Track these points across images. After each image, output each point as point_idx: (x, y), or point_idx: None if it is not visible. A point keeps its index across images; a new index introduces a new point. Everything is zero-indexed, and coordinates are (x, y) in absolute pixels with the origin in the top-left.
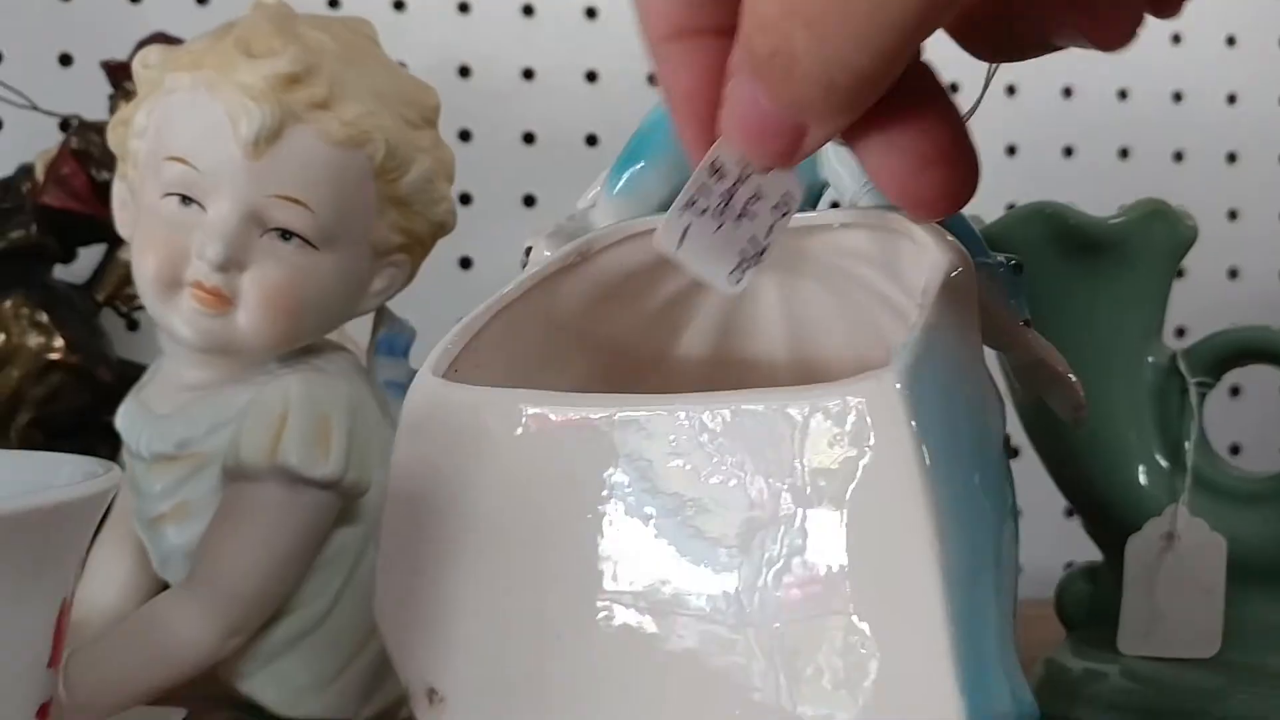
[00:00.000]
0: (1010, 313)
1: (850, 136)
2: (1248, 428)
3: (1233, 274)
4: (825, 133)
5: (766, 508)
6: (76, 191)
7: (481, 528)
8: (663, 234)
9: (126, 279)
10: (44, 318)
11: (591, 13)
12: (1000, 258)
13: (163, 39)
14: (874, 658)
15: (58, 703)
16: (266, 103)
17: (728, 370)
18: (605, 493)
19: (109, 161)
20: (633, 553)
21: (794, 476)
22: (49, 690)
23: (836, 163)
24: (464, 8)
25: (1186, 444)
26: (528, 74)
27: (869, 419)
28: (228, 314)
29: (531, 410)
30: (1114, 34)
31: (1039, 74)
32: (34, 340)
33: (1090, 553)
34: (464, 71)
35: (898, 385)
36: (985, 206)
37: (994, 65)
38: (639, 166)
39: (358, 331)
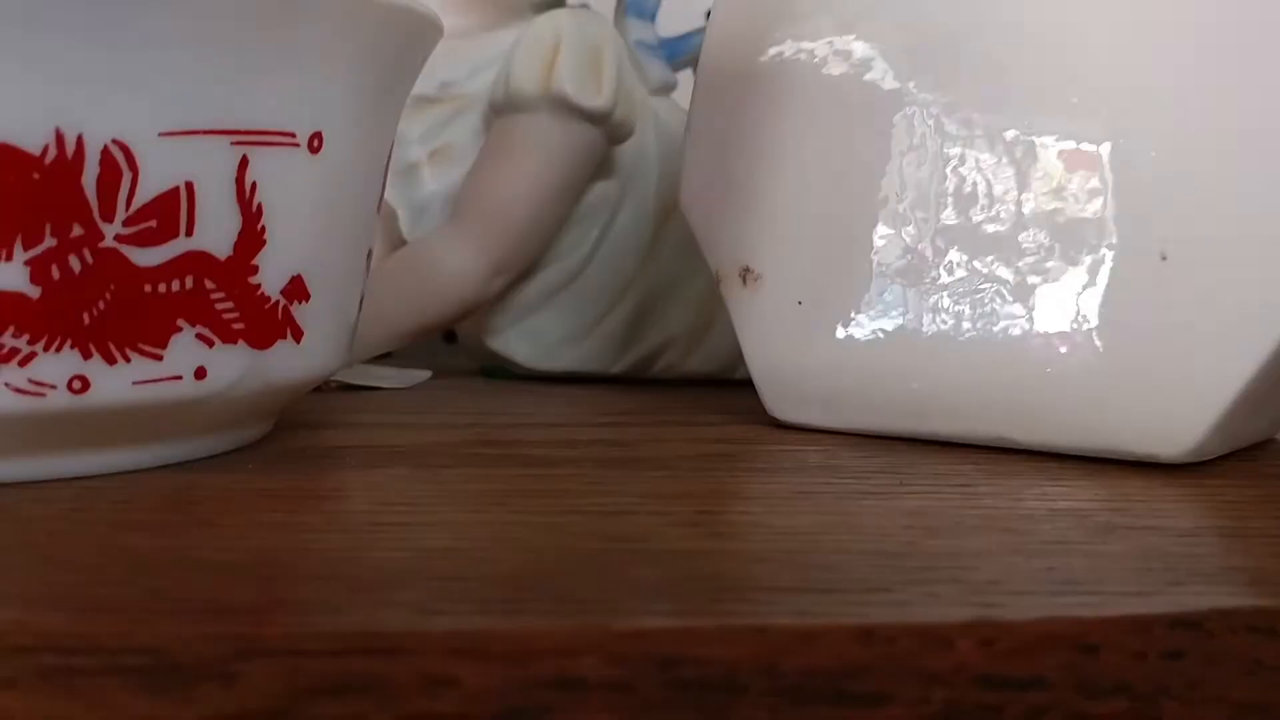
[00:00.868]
0: None
1: None
2: None
3: None
4: None
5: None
6: None
7: (811, 95)
8: None
9: None
10: None
11: None
12: None
13: None
14: (1261, 161)
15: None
16: None
17: None
18: (957, 41)
19: None
20: (976, 90)
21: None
22: (371, 238)
23: None
24: None
25: None
26: None
27: None
28: None
29: None
30: None
31: None
32: None
33: None
34: None
35: None
36: None
37: None
38: None
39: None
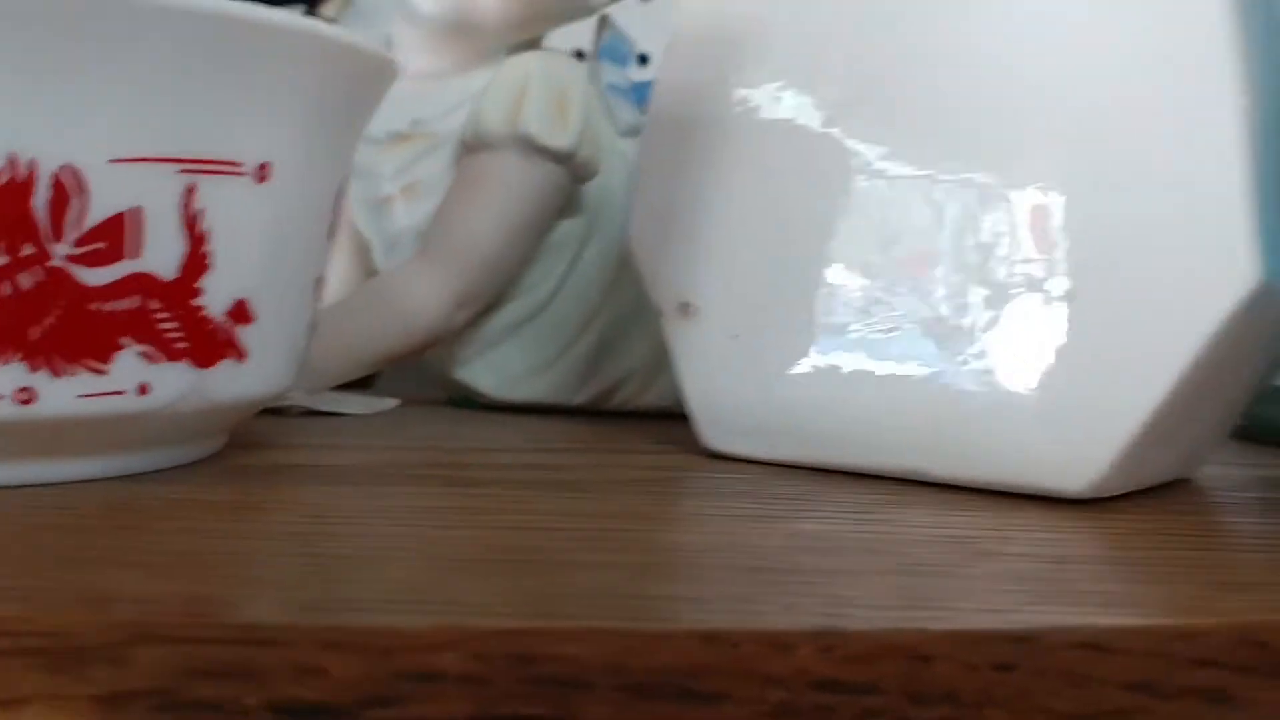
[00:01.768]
0: None
1: None
2: None
3: None
4: None
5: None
6: None
7: (745, 144)
8: None
9: None
10: None
11: None
12: None
13: None
14: (1171, 205)
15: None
16: None
17: None
18: (869, 97)
19: None
20: (895, 138)
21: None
22: (322, 266)
23: None
24: None
25: None
26: None
27: None
28: None
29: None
30: None
31: None
32: None
33: None
34: None
35: None
36: None
37: None
38: None
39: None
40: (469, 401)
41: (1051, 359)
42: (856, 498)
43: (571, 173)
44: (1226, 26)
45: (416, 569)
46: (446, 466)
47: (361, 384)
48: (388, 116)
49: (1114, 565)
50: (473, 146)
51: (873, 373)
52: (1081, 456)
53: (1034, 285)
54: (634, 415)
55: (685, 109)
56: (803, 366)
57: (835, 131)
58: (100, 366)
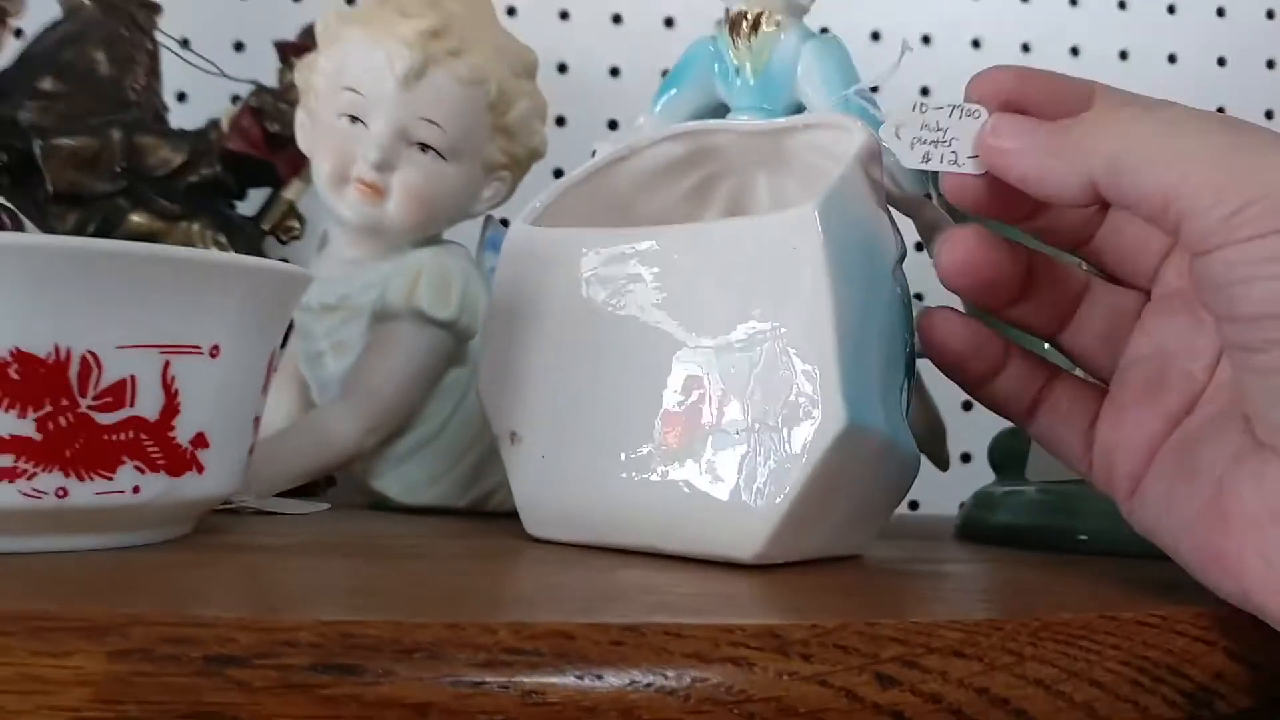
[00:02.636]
0: (911, 190)
1: None
2: None
3: None
4: None
5: (731, 286)
6: (253, 140)
7: (551, 322)
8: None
9: (286, 214)
10: (222, 239)
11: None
12: None
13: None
14: (791, 370)
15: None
16: (415, 50)
17: None
18: (629, 291)
19: (278, 117)
20: (641, 323)
21: (750, 269)
22: (260, 408)
23: (808, 88)
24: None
25: None
26: (614, 72)
27: (798, 228)
28: (380, 203)
29: (587, 243)
30: None
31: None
32: None
33: None
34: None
35: (815, 210)
36: None
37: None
38: (673, 92)
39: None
40: (383, 505)
41: (734, 471)
42: (609, 560)
43: (455, 335)
44: (820, 263)
45: (258, 590)
46: (358, 548)
47: (309, 491)
48: (322, 292)
49: (735, 600)
50: (381, 317)
51: (628, 482)
52: (748, 534)
53: (721, 424)
54: (504, 515)
55: (513, 302)
56: (584, 478)
57: (618, 309)
58: (109, 475)
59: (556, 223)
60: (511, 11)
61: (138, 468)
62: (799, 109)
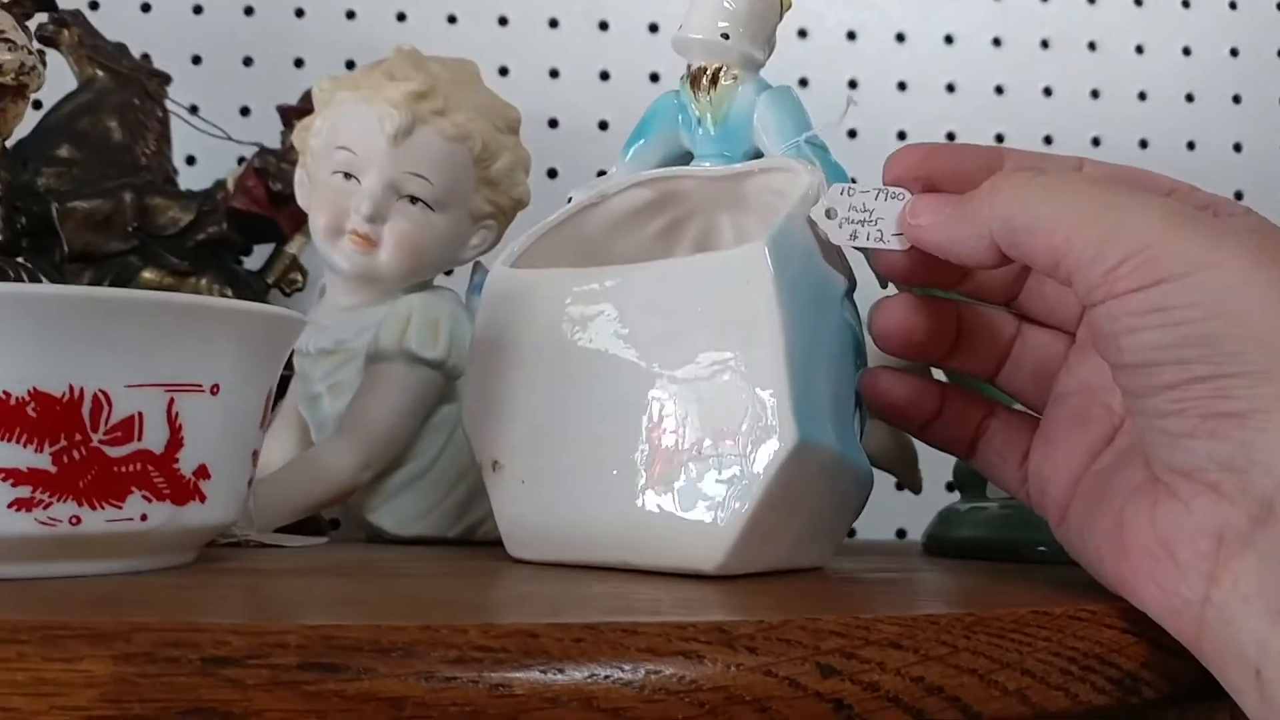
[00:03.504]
0: None
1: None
2: None
3: None
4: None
5: (690, 318)
6: (258, 198)
7: (529, 357)
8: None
9: (290, 267)
10: (229, 292)
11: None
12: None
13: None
14: (747, 394)
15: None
16: (403, 110)
17: None
18: (599, 326)
19: (282, 176)
20: (611, 355)
21: (708, 302)
22: (258, 442)
23: (764, 135)
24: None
25: None
26: (602, 125)
27: (749, 264)
28: (373, 253)
29: (561, 283)
30: None
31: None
32: None
33: None
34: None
35: (765, 246)
36: None
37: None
38: (641, 142)
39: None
40: (378, 537)
41: (698, 490)
42: (581, 575)
43: (444, 374)
44: (771, 295)
45: (253, 602)
46: (349, 570)
47: (313, 531)
48: (320, 338)
49: (689, 603)
50: (374, 358)
51: (602, 505)
52: (709, 548)
53: (685, 447)
54: (491, 543)
55: (494, 338)
56: (561, 502)
57: (595, 345)
58: (119, 504)
59: (534, 265)
60: (504, 71)
61: (145, 497)
62: (757, 155)
